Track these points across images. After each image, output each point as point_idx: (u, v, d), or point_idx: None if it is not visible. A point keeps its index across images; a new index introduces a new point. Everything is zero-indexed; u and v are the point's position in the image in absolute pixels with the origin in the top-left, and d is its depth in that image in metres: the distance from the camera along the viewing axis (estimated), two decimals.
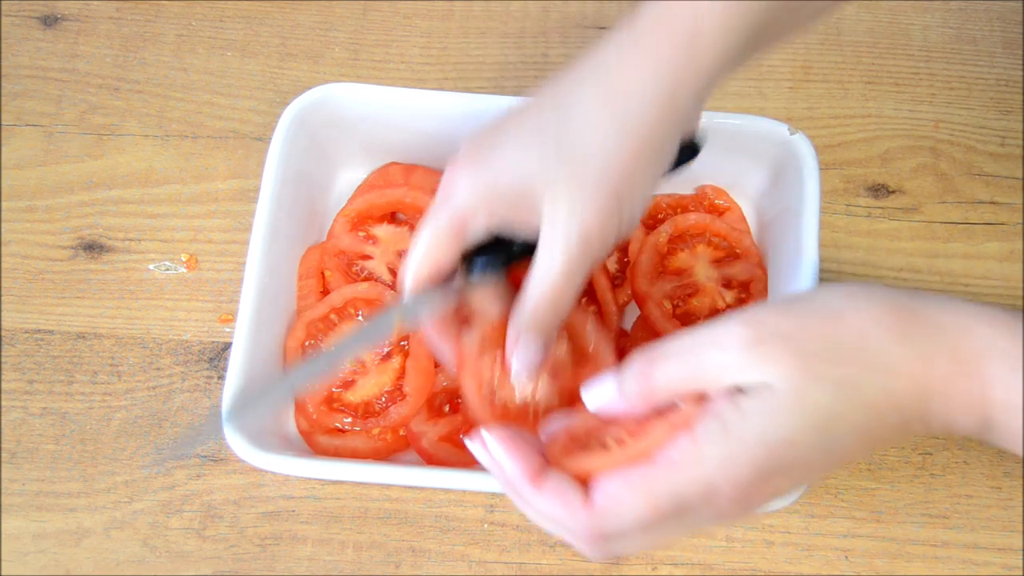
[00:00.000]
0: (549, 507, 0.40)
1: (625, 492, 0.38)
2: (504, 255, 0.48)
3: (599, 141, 0.44)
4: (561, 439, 0.43)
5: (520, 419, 0.57)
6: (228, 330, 0.65)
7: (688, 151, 0.51)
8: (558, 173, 0.44)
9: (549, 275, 0.45)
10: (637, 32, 0.44)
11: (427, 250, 0.47)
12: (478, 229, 0.47)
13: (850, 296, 0.41)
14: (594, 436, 0.42)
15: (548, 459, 0.41)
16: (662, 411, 0.41)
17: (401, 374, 0.60)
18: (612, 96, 0.44)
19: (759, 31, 0.45)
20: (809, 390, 0.38)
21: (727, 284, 0.63)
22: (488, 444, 0.41)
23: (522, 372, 0.49)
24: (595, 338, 0.57)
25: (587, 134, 0.44)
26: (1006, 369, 0.39)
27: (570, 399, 0.57)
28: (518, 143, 0.46)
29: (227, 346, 0.64)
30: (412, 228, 0.65)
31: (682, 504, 0.38)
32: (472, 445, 0.43)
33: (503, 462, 0.41)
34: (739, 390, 0.39)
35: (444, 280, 0.49)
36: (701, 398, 0.40)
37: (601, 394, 0.43)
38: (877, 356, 0.39)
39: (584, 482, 0.40)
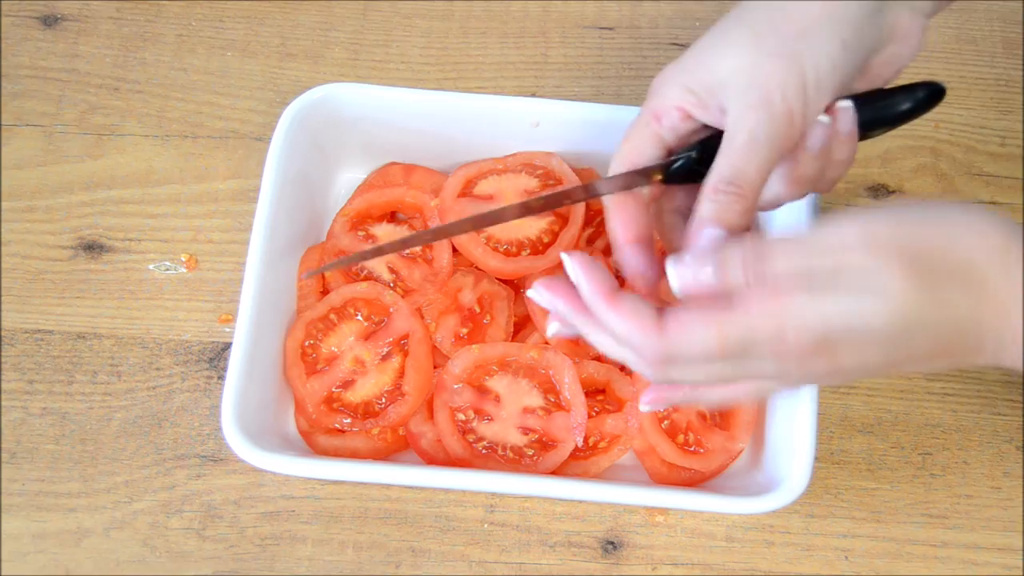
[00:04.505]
0: (621, 325, 0.41)
1: (697, 322, 0.39)
2: (704, 158, 0.49)
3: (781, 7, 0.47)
4: None
5: (490, 456, 0.58)
6: (228, 330, 0.65)
7: (932, 94, 0.52)
8: (742, 52, 0.46)
9: (736, 138, 0.46)
10: None
11: (626, 140, 0.49)
12: (673, 121, 0.48)
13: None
14: None
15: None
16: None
17: (401, 374, 0.60)
18: None
19: None
20: (913, 309, 0.38)
21: None
22: (567, 265, 0.42)
23: (708, 227, 0.44)
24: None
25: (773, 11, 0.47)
26: None
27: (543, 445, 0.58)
28: (708, 42, 0.48)
29: (227, 346, 0.64)
30: (412, 228, 0.65)
31: (749, 345, 0.39)
32: (538, 285, 0.43)
33: (581, 281, 0.42)
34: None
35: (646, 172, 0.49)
36: None
37: (692, 277, 0.41)
38: (983, 279, 0.39)
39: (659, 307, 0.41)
